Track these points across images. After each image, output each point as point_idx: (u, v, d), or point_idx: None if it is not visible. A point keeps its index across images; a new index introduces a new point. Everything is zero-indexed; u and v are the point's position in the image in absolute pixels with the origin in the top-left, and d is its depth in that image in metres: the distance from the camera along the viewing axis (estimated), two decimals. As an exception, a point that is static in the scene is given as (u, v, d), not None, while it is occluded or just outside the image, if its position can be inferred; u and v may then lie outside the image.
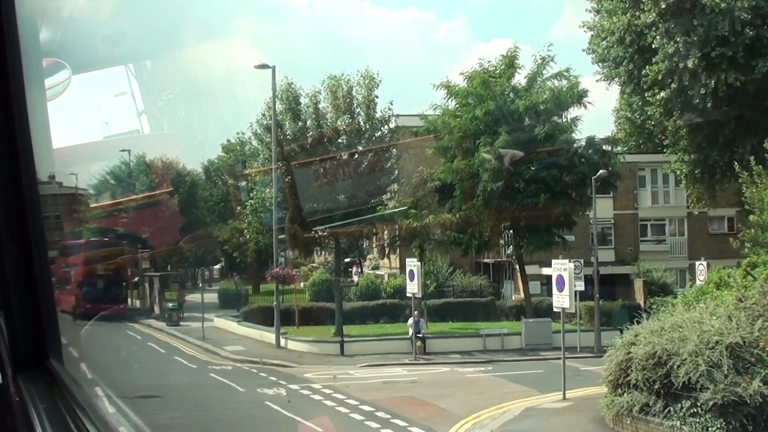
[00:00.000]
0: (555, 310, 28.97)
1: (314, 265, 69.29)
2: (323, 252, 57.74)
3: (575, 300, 33.21)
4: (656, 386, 19.18)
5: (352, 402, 25.97)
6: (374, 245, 61.19)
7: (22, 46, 5.56)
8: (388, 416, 23.44)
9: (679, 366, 18.39)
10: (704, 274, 36.86)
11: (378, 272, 59.87)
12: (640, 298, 45.98)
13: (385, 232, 48.99)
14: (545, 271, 43.58)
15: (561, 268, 27.65)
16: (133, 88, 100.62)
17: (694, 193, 49.31)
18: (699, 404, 17.87)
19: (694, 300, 26.12)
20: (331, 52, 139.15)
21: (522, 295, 47.09)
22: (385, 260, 59.28)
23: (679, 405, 18.46)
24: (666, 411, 18.88)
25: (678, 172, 48.75)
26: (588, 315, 42.22)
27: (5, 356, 5.42)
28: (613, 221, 56.07)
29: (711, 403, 17.61)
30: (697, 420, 17.89)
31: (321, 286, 52.52)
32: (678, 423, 18.36)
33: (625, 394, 20.20)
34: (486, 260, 56.97)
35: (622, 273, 52.76)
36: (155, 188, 62.23)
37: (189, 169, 71.47)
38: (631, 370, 19.83)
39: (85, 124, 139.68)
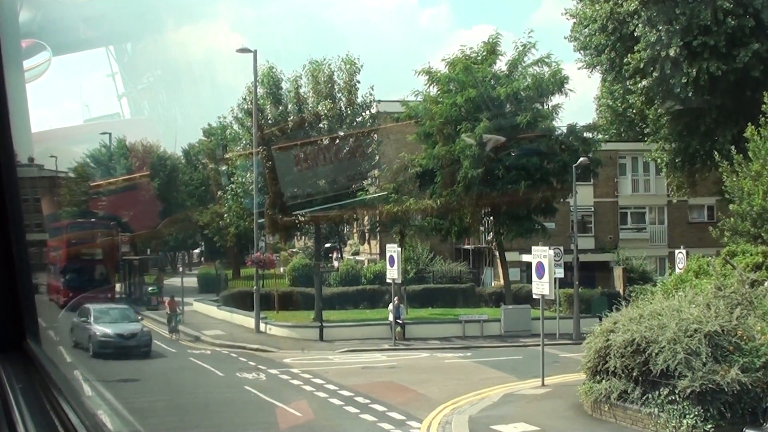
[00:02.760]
0: (534, 296, 28.93)
1: (294, 250, 69.30)
2: (303, 237, 57.73)
3: (555, 287, 33.32)
4: (634, 373, 19.25)
5: (331, 387, 25.96)
6: (355, 231, 61.22)
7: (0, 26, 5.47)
8: (367, 401, 23.42)
9: (657, 353, 18.45)
10: (683, 262, 36.93)
11: (358, 258, 59.86)
12: (619, 285, 46.14)
13: (366, 217, 49.02)
14: (525, 257, 43.70)
15: (541, 254, 27.65)
16: (114, 70, 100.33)
17: (674, 182, 49.45)
18: (677, 392, 17.93)
19: (673, 288, 26.20)
20: (313, 37, 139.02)
21: (502, 281, 47.13)
22: (366, 246, 59.34)
23: (657, 392, 18.53)
24: (644, 398, 18.95)
25: (659, 160, 48.85)
26: (567, 302, 42.40)
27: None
28: (593, 209, 56.25)
29: (689, 390, 17.67)
30: (675, 407, 17.96)
31: (301, 271, 52.50)
32: (656, 410, 18.43)
33: (604, 381, 20.25)
34: (466, 246, 57.03)
35: (601, 260, 52.91)
36: (135, 172, 61.89)
37: (170, 152, 71.23)
38: (610, 357, 19.88)
39: (66, 107, 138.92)
